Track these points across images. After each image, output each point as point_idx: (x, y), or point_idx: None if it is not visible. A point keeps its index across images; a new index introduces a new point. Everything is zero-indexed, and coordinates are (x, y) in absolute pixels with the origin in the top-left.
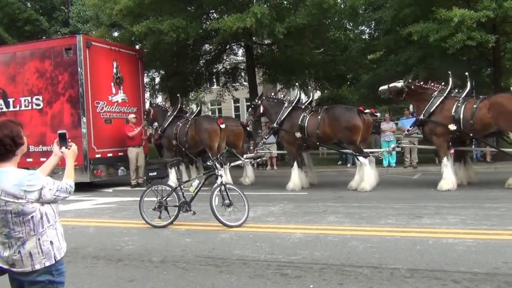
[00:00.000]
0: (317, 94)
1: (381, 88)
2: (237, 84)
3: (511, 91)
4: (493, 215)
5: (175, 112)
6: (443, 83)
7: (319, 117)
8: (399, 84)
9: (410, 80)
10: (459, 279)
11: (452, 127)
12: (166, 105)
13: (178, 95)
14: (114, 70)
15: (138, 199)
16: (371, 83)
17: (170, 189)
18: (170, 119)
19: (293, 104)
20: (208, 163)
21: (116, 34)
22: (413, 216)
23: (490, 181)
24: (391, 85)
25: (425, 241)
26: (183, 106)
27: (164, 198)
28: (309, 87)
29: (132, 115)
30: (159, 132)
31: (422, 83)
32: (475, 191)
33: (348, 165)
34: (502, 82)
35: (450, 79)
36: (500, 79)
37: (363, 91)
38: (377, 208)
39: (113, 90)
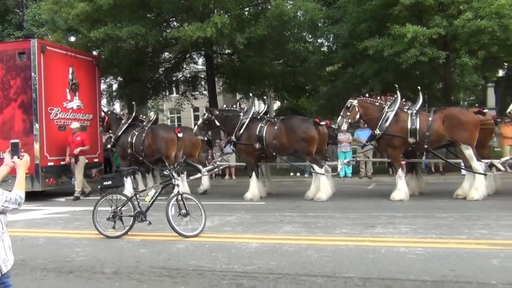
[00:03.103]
0: (277, 104)
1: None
2: (197, 93)
3: (461, 105)
4: (442, 224)
5: (130, 120)
6: (394, 96)
7: (276, 127)
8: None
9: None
10: (409, 286)
11: (412, 140)
12: (122, 113)
13: (133, 103)
14: (70, 76)
15: (92, 208)
16: (329, 95)
17: (125, 199)
18: (124, 127)
19: (250, 115)
20: (165, 172)
21: (72, 39)
22: (367, 226)
23: (440, 192)
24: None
25: (377, 250)
26: (138, 114)
27: (119, 208)
28: (269, 97)
29: (76, 124)
30: (112, 140)
31: (372, 97)
32: (426, 201)
33: (305, 175)
34: (452, 97)
35: (398, 92)
36: (450, 94)
37: (322, 102)
38: (333, 217)
39: (68, 97)
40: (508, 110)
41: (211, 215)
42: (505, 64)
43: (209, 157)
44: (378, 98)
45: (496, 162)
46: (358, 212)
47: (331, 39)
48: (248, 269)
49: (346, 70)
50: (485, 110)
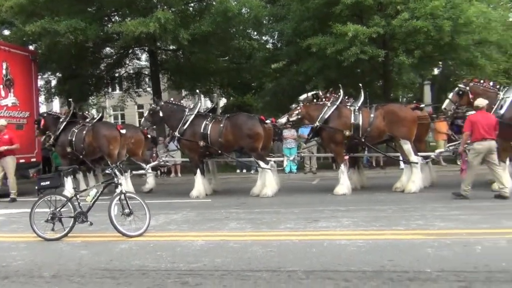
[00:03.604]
0: (223, 101)
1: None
2: (141, 90)
3: (400, 102)
4: (381, 216)
5: (68, 118)
6: (338, 94)
7: (221, 125)
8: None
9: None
10: (350, 278)
11: (348, 133)
12: (61, 111)
13: (70, 99)
14: (4, 72)
15: (29, 210)
16: (274, 92)
17: (65, 199)
18: (63, 126)
19: (195, 112)
20: (107, 171)
21: (6, 32)
22: (311, 220)
23: (380, 185)
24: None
25: (320, 243)
26: (77, 111)
27: (58, 209)
28: (214, 94)
29: (2, 121)
30: (51, 140)
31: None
32: (367, 194)
33: (252, 172)
34: (391, 94)
35: (341, 89)
36: (390, 91)
37: (267, 99)
38: (278, 213)
39: (2, 93)
40: (443, 106)
41: (156, 213)
42: (440, 62)
43: (154, 155)
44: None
45: (432, 154)
46: (302, 207)
47: (275, 37)
48: (193, 267)
49: (290, 67)
50: (422, 106)
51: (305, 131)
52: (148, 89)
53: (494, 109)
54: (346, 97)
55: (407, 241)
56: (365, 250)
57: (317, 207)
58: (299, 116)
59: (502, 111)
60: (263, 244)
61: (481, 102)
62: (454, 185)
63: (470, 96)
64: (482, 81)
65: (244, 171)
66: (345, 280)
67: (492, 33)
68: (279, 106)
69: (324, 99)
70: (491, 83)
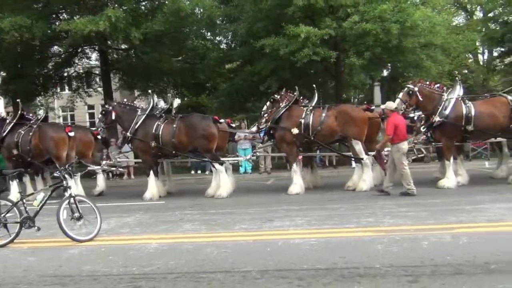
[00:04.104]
0: (177, 101)
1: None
2: (91, 90)
3: (352, 103)
4: (334, 215)
5: (15, 119)
6: (294, 94)
7: (174, 125)
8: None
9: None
10: (303, 276)
11: (295, 130)
12: (6, 112)
13: (18, 100)
14: None
15: None
16: (229, 92)
17: (10, 204)
18: (9, 127)
19: (147, 112)
20: (56, 174)
21: None
22: (265, 220)
23: (333, 184)
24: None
25: (275, 243)
26: (25, 113)
27: (3, 214)
28: (168, 95)
29: None
30: None
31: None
32: (320, 194)
33: (206, 173)
34: (343, 95)
35: (297, 89)
36: (342, 92)
37: (222, 100)
38: (233, 214)
39: None
40: (394, 105)
41: (108, 217)
42: (389, 64)
43: (104, 156)
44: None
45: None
46: (257, 207)
47: (229, 37)
48: (146, 270)
49: (244, 68)
50: (373, 107)
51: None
52: (99, 89)
53: (439, 110)
54: (301, 98)
55: (358, 238)
56: (318, 248)
57: (272, 207)
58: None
59: (446, 112)
60: (217, 245)
61: (392, 104)
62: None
63: (419, 96)
64: (428, 83)
65: (199, 172)
66: (299, 278)
67: (436, 36)
68: (233, 106)
69: (279, 101)
70: (436, 85)
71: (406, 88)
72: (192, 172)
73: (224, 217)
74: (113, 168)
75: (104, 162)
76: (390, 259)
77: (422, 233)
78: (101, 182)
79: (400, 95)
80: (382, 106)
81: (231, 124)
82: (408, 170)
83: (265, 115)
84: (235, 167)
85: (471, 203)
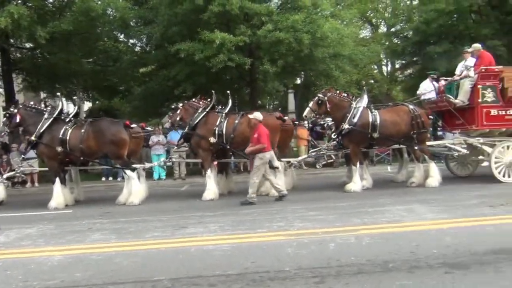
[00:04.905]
0: (88, 105)
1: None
2: None
3: (266, 109)
4: (247, 220)
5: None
6: (209, 99)
7: (82, 130)
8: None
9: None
10: (215, 282)
11: (213, 139)
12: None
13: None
14: None
15: None
16: (143, 96)
17: None
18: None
19: (54, 115)
20: None
21: None
22: (179, 227)
23: (246, 190)
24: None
25: (187, 250)
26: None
27: None
28: (74, 97)
29: None
30: None
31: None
32: (234, 199)
33: (118, 179)
34: (259, 101)
35: (214, 95)
36: (257, 98)
37: (136, 104)
38: (145, 221)
39: None
40: (304, 114)
41: (7, 228)
42: (302, 72)
43: (4, 163)
44: (201, 102)
45: (294, 160)
46: (170, 214)
47: (144, 40)
48: (49, 284)
49: (159, 72)
50: (286, 118)
51: (174, 136)
52: (0, 90)
53: (348, 118)
54: (216, 103)
55: (270, 242)
56: (230, 254)
57: (185, 214)
58: (179, 118)
59: (355, 120)
60: (128, 255)
61: (260, 115)
62: (315, 187)
63: (328, 105)
64: (338, 92)
65: (110, 178)
66: (210, 284)
67: (344, 47)
68: (148, 110)
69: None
70: (345, 94)
71: (316, 98)
72: (103, 179)
73: (136, 225)
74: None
75: (4, 175)
76: (299, 261)
77: (330, 236)
78: (0, 190)
79: (310, 104)
80: (251, 116)
81: (146, 128)
82: (259, 181)
83: (168, 121)
84: (149, 173)
85: (374, 205)
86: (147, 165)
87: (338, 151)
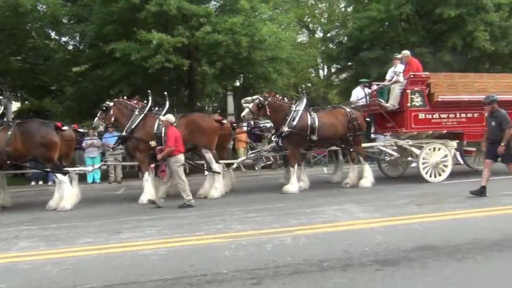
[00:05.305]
0: (16, 105)
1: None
2: None
3: (206, 111)
4: (184, 223)
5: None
6: (145, 101)
7: (9, 132)
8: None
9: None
10: (151, 287)
11: (153, 143)
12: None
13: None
14: None
15: None
16: (77, 96)
17: None
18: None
19: None
20: None
21: None
22: (113, 232)
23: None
24: None
25: (122, 256)
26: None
27: None
28: (3, 97)
29: None
30: None
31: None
32: (173, 202)
33: (49, 183)
34: (197, 103)
35: (150, 97)
36: (195, 100)
37: (69, 104)
38: (77, 227)
39: None
40: (242, 114)
41: None
42: (241, 75)
43: None
44: (135, 101)
45: (234, 162)
46: (105, 219)
47: (77, 38)
48: None
49: (94, 72)
50: (224, 121)
51: (109, 139)
52: None
53: (288, 120)
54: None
55: (208, 245)
56: (167, 258)
57: (121, 218)
58: (113, 119)
59: (294, 123)
60: (58, 263)
61: (172, 118)
62: (253, 189)
63: (268, 109)
64: (278, 96)
65: (40, 183)
66: None
67: (282, 51)
68: (81, 111)
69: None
70: (285, 99)
71: (257, 100)
72: (33, 183)
73: (67, 231)
74: None
75: None
76: (236, 263)
77: (267, 237)
78: None
79: (250, 105)
80: (163, 118)
81: (79, 130)
82: (186, 181)
83: (101, 124)
84: (82, 177)
85: (310, 206)
86: (83, 168)
87: (277, 153)
